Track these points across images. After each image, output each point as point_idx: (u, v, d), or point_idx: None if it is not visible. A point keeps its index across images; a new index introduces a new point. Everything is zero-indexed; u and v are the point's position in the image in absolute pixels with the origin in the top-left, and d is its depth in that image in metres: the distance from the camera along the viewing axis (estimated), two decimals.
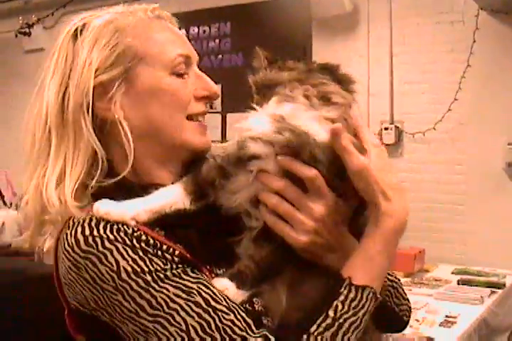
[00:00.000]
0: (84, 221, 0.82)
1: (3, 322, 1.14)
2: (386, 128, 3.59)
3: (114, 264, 0.78)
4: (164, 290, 0.77)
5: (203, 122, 0.96)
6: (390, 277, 1.05)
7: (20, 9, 4.96)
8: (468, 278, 2.84)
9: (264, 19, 3.90)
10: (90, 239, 0.79)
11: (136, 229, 0.82)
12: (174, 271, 0.79)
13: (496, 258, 3.17)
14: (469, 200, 3.41)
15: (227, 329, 0.76)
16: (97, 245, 0.79)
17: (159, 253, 0.80)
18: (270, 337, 0.77)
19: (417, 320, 2.23)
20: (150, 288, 0.77)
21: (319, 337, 0.76)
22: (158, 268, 0.79)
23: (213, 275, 0.85)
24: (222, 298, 0.79)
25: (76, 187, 0.86)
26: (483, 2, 3.25)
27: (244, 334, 0.76)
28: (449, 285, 2.76)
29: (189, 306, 0.77)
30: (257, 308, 0.86)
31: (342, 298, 0.79)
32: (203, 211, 0.88)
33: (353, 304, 0.79)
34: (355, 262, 0.83)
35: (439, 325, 2.22)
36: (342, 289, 0.80)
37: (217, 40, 4.30)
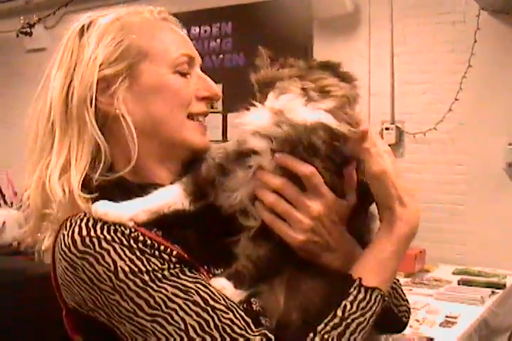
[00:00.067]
0: (81, 221, 0.82)
1: (4, 322, 1.14)
2: (387, 129, 3.59)
3: (112, 264, 0.78)
4: (162, 290, 0.77)
5: (203, 123, 0.97)
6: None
7: (21, 9, 4.96)
8: (469, 279, 2.83)
9: (266, 19, 3.90)
10: (87, 239, 0.79)
11: (133, 229, 0.82)
12: (172, 271, 0.79)
13: (496, 258, 3.16)
14: (470, 200, 3.41)
15: (226, 328, 0.76)
16: (94, 245, 0.79)
17: (156, 253, 0.81)
18: (270, 335, 0.77)
19: (417, 320, 2.23)
20: (148, 288, 0.77)
21: (326, 336, 0.76)
22: (156, 268, 0.79)
23: (211, 276, 0.85)
24: (220, 297, 0.79)
25: (82, 178, 0.86)
26: (484, 2, 3.25)
27: (243, 332, 0.76)
28: (449, 286, 2.76)
29: (187, 305, 0.76)
30: (255, 308, 0.86)
31: (351, 298, 0.79)
32: (202, 211, 0.88)
33: (362, 305, 0.79)
34: (366, 264, 0.83)
35: (439, 325, 2.21)
36: (352, 289, 0.80)
37: (218, 40, 4.30)
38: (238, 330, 0.76)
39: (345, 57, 3.61)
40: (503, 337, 2.63)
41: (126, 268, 0.78)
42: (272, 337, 0.76)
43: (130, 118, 0.89)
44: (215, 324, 0.76)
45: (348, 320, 0.78)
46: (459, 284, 2.77)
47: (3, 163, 4.01)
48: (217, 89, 0.97)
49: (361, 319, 0.79)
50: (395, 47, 3.62)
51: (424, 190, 3.46)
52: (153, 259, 0.80)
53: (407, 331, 2.03)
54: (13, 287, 1.19)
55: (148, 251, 0.80)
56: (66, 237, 0.81)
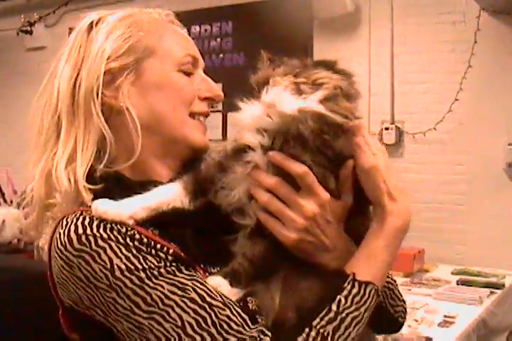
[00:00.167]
0: (77, 220, 0.82)
1: (3, 320, 1.14)
2: (387, 128, 3.59)
3: (108, 262, 0.78)
4: (159, 287, 0.77)
5: (204, 123, 0.98)
6: (386, 278, 1.05)
7: (21, 7, 4.96)
8: (468, 279, 2.83)
9: (266, 19, 3.90)
10: (83, 237, 0.79)
11: (129, 228, 0.82)
12: (168, 269, 0.80)
13: (495, 258, 3.17)
14: (469, 200, 3.41)
15: (224, 324, 0.76)
16: (90, 243, 0.79)
17: (153, 251, 0.81)
18: (267, 332, 0.77)
19: (416, 320, 2.23)
20: (144, 285, 0.77)
21: (321, 330, 0.77)
22: (152, 265, 0.79)
23: (207, 274, 0.85)
24: (217, 294, 0.79)
25: (87, 168, 0.87)
26: (484, 3, 3.25)
27: (240, 329, 0.77)
28: (448, 286, 2.76)
29: (184, 302, 0.77)
30: (251, 307, 0.86)
31: (345, 292, 0.80)
32: (201, 210, 0.88)
33: (356, 299, 0.80)
34: (358, 258, 0.84)
35: (438, 325, 2.21)
36: (345, 284, 0.81)
37: (218, 39, 4.30)
38: (235, 327, 0.77)
39: (346, 57, 3.61)
40: (501, 337, 2.64)
41: (123, 266, 0.78)
42: (269, 334, 0.77)
43: (135, 111, 0.90)
44: (212, 321, 0.76)
45: (343, 315, 0.78)
46: (457, 284, 2.77)
47: (3, 162, 4.02)
48: (220, 90, 0.99)
49: (356, 313, 0.79)
50: (395, 47, 3.62)
51: (424, 190, 3.47)
52: (149, 257, 0.80)
53: (406, 331, 2.03)
54: (12, 285, 1.19)
55: (144, 249, 0.80)
56: (62, 235, 0.81)
